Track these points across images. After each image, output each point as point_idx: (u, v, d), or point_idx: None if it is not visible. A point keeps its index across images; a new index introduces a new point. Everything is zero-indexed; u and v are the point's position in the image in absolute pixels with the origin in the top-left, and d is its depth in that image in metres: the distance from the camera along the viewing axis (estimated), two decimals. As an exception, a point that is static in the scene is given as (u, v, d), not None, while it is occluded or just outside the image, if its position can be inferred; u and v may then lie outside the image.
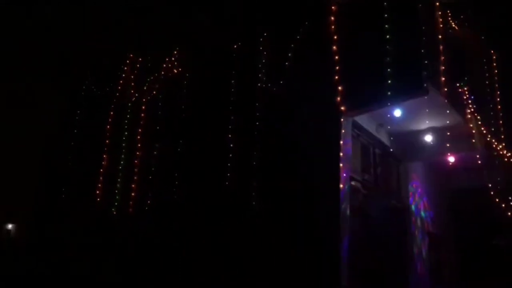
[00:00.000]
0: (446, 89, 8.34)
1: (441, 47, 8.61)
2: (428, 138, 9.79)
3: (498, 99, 11.99)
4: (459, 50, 11.40)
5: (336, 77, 8.36)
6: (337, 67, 8.42)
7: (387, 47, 7.88)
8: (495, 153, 10.30)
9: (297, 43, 9.12)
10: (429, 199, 11.59)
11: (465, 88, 10.22)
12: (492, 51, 12.50)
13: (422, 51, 7.63)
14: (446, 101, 8.35)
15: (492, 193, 9.56)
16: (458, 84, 10.10)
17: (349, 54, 8.45)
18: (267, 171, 8.51)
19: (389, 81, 7.69)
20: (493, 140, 10.22)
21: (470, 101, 10.10)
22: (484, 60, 12.36)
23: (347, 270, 7.49)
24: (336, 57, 8.51)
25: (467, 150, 10.11)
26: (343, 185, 7.79)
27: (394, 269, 9.73)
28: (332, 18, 8.81)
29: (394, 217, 9.90)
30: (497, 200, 10.22)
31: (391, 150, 10.30)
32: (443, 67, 8.46)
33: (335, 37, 8.65)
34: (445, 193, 12.39)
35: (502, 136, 11.24)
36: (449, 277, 11.68)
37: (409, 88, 7.60)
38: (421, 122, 9.40)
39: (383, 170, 10.10)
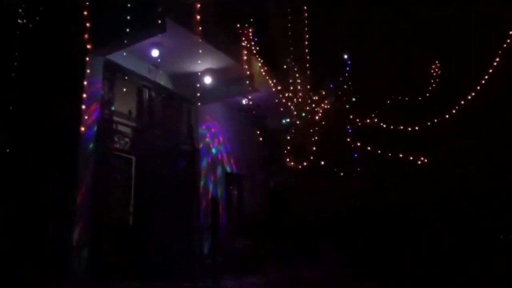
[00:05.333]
0: (200, 28, 8.17)
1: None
2: (207, 79, 9.72)
3: (306, 43, 12.21)
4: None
5: (85, 13, 7.79)
6: (87, 2, 7.83)
7: (129, -19, 7.43)
8: (280, 95, 10.54)
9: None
10: (230, 140, 11.77)
11: (250, 30, 10.26)
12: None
13: (160, -14, 7.28)
14: (200, 40, 8.18)
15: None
16: (238, 25, 10.11)
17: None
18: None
19: (128, 17, 7.30)
20: (275, 82, 10.40)
21: (252, 43, 10.17)
22: (288, 2, 12.50)
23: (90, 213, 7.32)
24: (87, -9, 7.90)
25: (249, 92, 10.32)
26: (85, 128, 7.44)
27: (178, 205, 9.81)
28: None
29: (174, 158, 9.85)
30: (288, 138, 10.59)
31: (176, 92, 10.12)
32: (199, 5, 8.25)
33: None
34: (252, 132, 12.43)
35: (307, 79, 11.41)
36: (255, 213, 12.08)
37: (145, 25, 7.30)
38: (194, 63, 9.23)
39: (166, 113, 9.92)
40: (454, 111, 9.58)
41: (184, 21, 7.93)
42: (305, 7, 12.52)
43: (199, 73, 9.52)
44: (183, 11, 7.98)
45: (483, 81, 9.44)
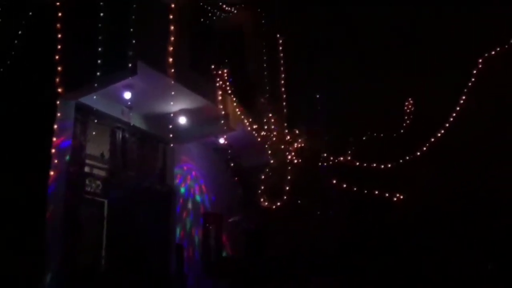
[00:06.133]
0: (173, 70, 8.24)
1: (171, 28, 8.49)
2: (182, 120, 9.74)
3: (282, 82, 12.30)
4: (228, 33, 11.64)
5: (57, 57, 7.83)
6: (59, 46, 7.89)
7: (99, 25, 7.54)
8: (256, 134, 10.51)
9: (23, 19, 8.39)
10: (207, 180, 11.69)
11: (225, 70, 10.37)
12: (278, 35, 12.86)
13: (131, 30, 7.39)
14: (173, 82, 8.24)
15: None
16: (213, 66, 10.23)
17: (73, 33, 7.99)
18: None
19: (99, 61, 7.35)
20: (251, 121, 10.40)
21: (227, 83, 10.27)
22: (264, 44, 12.69)
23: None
24: (59, 36, 7.97)
25: (224, 131, 10.33)
26: (55, 172, 7.33)
27: (154, 248, 9.61)
28: (58, -6, 8.22)
29: (149, 200, 9.73)
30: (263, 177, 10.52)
31: (151, 133, 10.10)
32: (172, 48, 8.36)
33: (60, 15, 8.10)
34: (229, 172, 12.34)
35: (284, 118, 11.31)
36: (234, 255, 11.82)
37: (117, 68, 7.36)
38: (167, 104, 9.20)
39: (141, 154, 9.85)
40: (424, 149, 9.75)
41: (156, 63, 8.01)
42: (281, 48, 12.75)
43: (172, 114, 9.43)
44: (155, 54, 8.08)
45: (451, 119, 9.69)
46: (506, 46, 9.87)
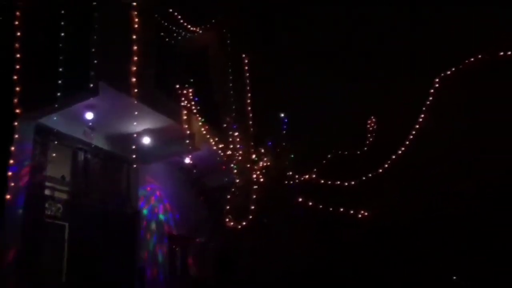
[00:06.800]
0: (136, 90, 8.17)
1: (135, 48, 8.44)
2: (146, 140, 9.61)
3: (249, 101, 12.36)
4: (194, 53, 11.66)
5: (15, 77, 7.63)
6: (18, 66, 7.69)
7: (60, 45, 7.42)
8: (221, 154, 10.47)
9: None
10: (173, 201, 11.53)
11: (190, 90, 10.35)
12: (244, 55, 12.95)
13: (93, 50, 7.30)
14: (136, 102, 8.16)
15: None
16: (178, 86, 10.20)
17: (32, 53, 7.82)
18: None
19: (60, 81, 7.21)
20: (216, 140, 10.37)
21: (193, 102, 10.24)
22: (230, 63, 12.76)
23: None
24: (18, 55, 7.78)
25: (189, 151, 10.25)
26: (12, 195, 7.06)
27: (117, 272, 9.33)
28: (18, 13, 8.06)
29: (112, 223, 9.49)
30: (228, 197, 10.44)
31: (115, 153, 9.90)
32: (135, 68, 8.30)
33: (19, 34, 7.92)
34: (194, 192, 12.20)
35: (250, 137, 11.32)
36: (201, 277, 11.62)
37: (78, 88, 7.23)
38: (131, 124, 9.06)
39: (104, 175, 9.63)
40: (386, 166, 9.98)
41: (119, 83, 7.93)
42: (246, 67, 12.86)
43: (135, 135, 9.26)
44: (117, 74, 8.00)
45: (411, 136, 9.98)
46: (461, 66, 10.30)
